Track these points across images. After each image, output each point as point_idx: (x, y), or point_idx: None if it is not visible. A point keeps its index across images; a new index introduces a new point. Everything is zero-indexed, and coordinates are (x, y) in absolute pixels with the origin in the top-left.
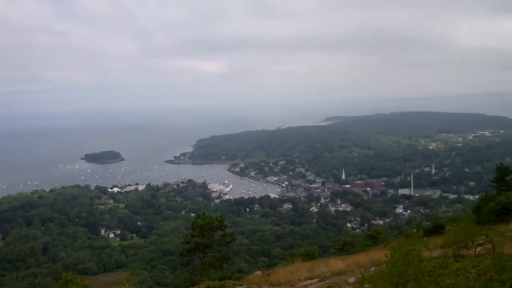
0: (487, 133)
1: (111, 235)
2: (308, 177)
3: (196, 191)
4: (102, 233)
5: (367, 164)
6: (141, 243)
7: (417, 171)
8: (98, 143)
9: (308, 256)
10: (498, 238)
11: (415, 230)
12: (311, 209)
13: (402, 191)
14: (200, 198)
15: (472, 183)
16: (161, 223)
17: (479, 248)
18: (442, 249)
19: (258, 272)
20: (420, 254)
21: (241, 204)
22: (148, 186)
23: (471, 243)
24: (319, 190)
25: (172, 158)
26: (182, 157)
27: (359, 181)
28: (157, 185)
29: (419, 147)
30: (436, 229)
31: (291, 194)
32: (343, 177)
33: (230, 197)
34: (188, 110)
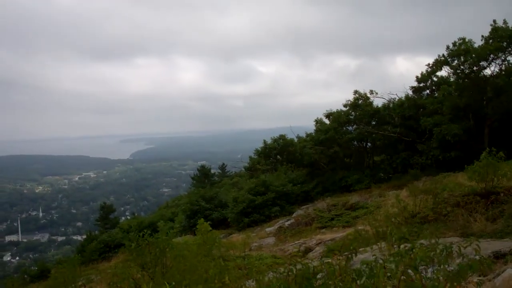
0: (91, 174)
1: None
2: None
3: None
4: None
5: None
6: None
7: (24, 215)
8: None
9: None
10: (98, 276)
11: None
12: None
13: (9, 238)
14: None
15: (79, 224)
16: None
17: None
18: None
19: None
20: None
21: None
22: None
23: (72, 285)
24: None
25: None
26: None
27: None
28: None
29: (25, 191)
30: (43, 274)
31: None
32: None
33: None
34: None
